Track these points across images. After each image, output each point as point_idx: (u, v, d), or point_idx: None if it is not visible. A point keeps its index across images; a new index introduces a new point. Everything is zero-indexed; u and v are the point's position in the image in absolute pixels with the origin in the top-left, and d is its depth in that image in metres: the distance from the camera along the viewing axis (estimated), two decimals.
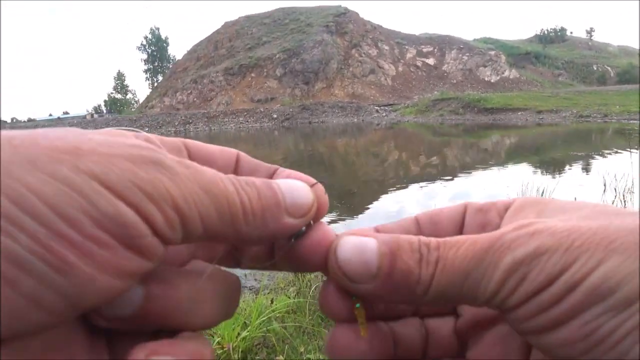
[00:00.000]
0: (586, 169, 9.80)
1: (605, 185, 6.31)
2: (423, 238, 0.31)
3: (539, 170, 10.02)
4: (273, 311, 2.58)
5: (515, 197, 0.36)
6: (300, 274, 3.09)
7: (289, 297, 2.87)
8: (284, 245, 0.31)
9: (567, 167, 10.36)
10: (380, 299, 0.31)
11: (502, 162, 11.77)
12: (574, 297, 0.25)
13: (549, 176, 9.08)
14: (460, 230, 0.37)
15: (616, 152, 11.59)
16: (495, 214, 0.36)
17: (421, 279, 0.29)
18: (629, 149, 10.15)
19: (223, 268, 0.31)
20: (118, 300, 0.24)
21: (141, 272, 0.23)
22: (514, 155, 13.33)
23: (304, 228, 0.31)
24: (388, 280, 0.30)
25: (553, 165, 10.68)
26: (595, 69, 71.35)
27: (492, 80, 59.68)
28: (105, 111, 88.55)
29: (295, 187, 0.31)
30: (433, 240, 0.30)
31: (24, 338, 0.20)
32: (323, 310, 0.33)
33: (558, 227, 0.27)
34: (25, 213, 0.19)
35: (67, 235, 0.19)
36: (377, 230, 0.37)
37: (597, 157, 11.24)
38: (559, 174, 9.46)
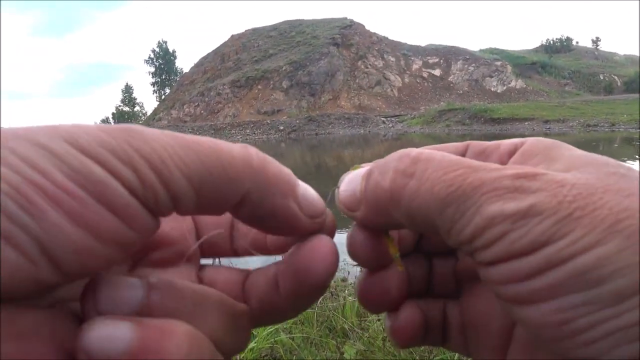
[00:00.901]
0: None
1: None
2: (407, 150, 0.29)
3: None
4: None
5: (526, 139, 0.33)
6: None
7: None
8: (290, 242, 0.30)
9: None
10: (372, 223, 0.31)
11: None
12: (554, 275, 0.22)
13: None
14: None
15: (624, 161, 11.50)
16: (496, 159, 0.33)
17: (389, 191, 0.28)
18: (637, 158, 10.05)
19: (229, 298, 0.29)
20: (118, 298, 0.23)
21: (124, 240, 0.22)
22: None
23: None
24: (365, 200, 0.29)
25: None
26: (601, 78, 71.10)
27: (498, 91, 59.60)
28: (113, 123, 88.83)
29: (309, 188, 0.30)
30: (418, 150, 0.28)
31: (16, 302, 0.20)
32: (351, 255, 0.33)
33: (565, 188, 0.24)
34: (3, 165, 0.19)
35: (38, 182, 0.20)
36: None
37: None
38: None
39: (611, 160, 0.26)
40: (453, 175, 0.26)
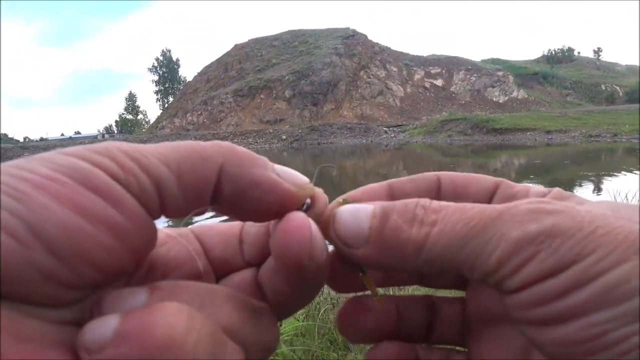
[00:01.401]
0: (597, 188, 9.73)
1: None
2: (423, 200, 0.29)
3: None
4: (281, 334, 2.58)
5: (555, 188, 0.33)
6: None
7: (298, 320, 2.87)
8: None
9: (577, 187, 10.29)
10: (376, 264, 0.30)
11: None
12: (583, 294, 0.23)
13: None
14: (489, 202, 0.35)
15: (627, 172, 11.51)
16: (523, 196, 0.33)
17: (412, 238, 0.28)
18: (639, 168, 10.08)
19: (248, 297, 0.29)
20: (121, 303, 0.23)
21: (115, 223, 0.22)
22: (523, 176, 13.26)
23: (308, 200, 0.30)
24: (379, 240, 0.28)
25: (563, 186, 10.55)
26: (603, 88, 71.21)
27: (500, 101, 59.72)
28: (116, 131, 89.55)
29: (285, 167, 0.30)
30: (434, 202, 0.29)
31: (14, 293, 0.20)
32: (329, 283, 0.33)
33: (581, 211, 0.25)
34: None
35: (22, 175, 0.21)
36: (391, 185, 0.36)
37: (607, 176, 11.17)
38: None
39: (629, 205, 0.27)
40: (471, 213, 0.27)
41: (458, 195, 0.35)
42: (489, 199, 0.34)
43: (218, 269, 0.33)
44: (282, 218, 0.28)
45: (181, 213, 0.26)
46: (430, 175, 0.36)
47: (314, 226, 0.27)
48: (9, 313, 0.20)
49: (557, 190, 0.32)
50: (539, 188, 0.33)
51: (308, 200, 0.30)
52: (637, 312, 0.22)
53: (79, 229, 0.21)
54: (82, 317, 0.23)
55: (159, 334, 0.20)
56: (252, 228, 0.34)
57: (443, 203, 0.29)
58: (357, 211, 0.30)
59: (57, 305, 0.22)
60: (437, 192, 0.35)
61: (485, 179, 0.35)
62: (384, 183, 0.36)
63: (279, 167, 0.29)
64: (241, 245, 0.34)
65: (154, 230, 0.25)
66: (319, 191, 0.31)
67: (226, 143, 0.28)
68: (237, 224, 0.34)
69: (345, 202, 0.32)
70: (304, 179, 0.30)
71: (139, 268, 0.29)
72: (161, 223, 0.27)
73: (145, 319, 0.21)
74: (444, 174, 0.36)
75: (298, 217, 0.27)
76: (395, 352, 0.34)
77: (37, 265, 0.20)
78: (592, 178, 11.23)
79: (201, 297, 0.25)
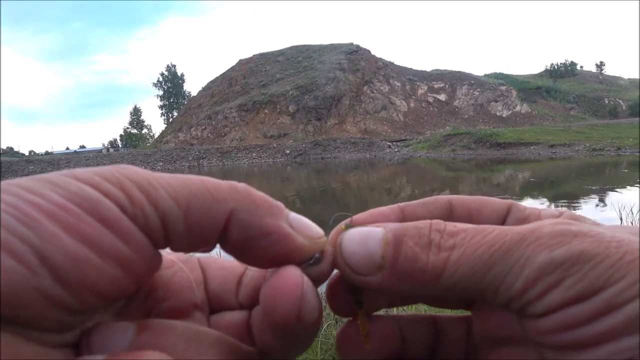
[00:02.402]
0: (601, 202, 9.69)
1: (621, 219, 6.24)
2: (436, 222, 0.28)
3: (553, 205, 9.93)
4: None
5: (565, 210, 0.32)
6: None
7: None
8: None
9: (582, 200, 10.26)
10: (390, 291, 0.29)
11: (516, 197, 11.67)
12: (613, 319, 0.22)
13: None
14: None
15: (631, 185, 11.47)
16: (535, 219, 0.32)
17: (430, 266, 0.27)
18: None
19: (235, 341, 0.29)
20: (108, 339, 0.24)
21: (121, 256, 0.23)
22: (527, 190, 13.24)
23: (317, 255, 0.29)
24: (394, 269, 0.27)
25: (568, 199, 10.59)
26: (606, 102, 71.20)
27: (503, 115, 59.77)
28: (120, 145, 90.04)
29: (300, 215, 0.29)
30: (450, 225, 0.28)
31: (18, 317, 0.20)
32: (331, 307, 0.32)
33: (607, 235, 0.24)
34: (6, 193, 0.21)
35: (34, 201, 0.21)
36: (402, 208, 0.34)
37: (611, 190, 11.13)
38: (574, 207, 9.37)
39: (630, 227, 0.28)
40: (492, 236, 0.26)
41: (471, 219, 0.34)
42: (502, 223, 0.33)
43: (213, 303, 0.33)
44: (277, 271, 0.27)
45: (186, 249, 0.27)
46: (442, 198, 0.35)
47: (307, 285, 0.26)
48: (10, 338, 0.20)
49: (568, 213, 0.31)
50: (550, 210, 0.33)
51: (317, 254, 0.29)
52: None
53: (86, 260, 0.21)
54: (78, 340, 0.24)
55: None
56: (252, 271, 0.34)
57: (460, 225, 0.28)
58: (365, 237, 0.29)
59: (57, 329, 0.22)
60: (450, 216, 0.34)
61: (497, 203, 0.34)
62: (395, 206, 0.34)
63: (294, 217, 0.28)
64: (238, 286, 0.34)
65: (159, 257, 0.26)
66: (329, 246, 0.30)
67: (243, 186, 0.27)
68: (242, 264, 0.34)
69: (348, 227, 0.30)
70: (317, 231, 0.29)
71: (141, 289, 0.29)
72: None
73: None
74: (456, 198, 0.35)
75: (290, 275, 0.26)
76: None
77: (44, 292, 0.20)
78: (597, 192, 11.18)
79: (187, 340, 0.25)
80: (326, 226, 0.31)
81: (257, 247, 0.27)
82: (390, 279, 0.28)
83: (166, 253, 0.29)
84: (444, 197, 0.35)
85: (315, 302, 0.27)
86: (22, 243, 0.20)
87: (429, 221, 0.28)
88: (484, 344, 0.33)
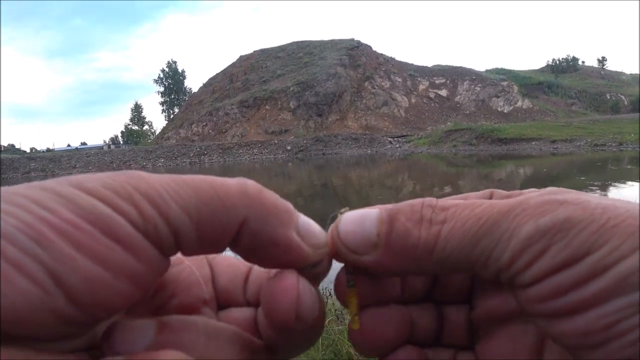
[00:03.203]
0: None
1: None
2: (428, 199, 0.29)
3: None
4: None
5: (545, 189, 0.33)
6: None
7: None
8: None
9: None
10: (388, 269, 0.30)
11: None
12: (599, 284, 0.23)
13: None
14: None
15: (633, 181, 11.45)
16: None
17: (422, 240, 0.28)
18: None
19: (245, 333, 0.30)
20: (130, 337, 0.24)
21: (133, 272, 0.23)
22: (528, 185, 13.10)
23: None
24: (388, 246, 0.29)
25: None
26: (608, 97, 70.97)
27: (505, 111, 59.63)
28: (122, 142, 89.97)
29: (309, 220, 0.30)
30: (441, 200, 0.29)
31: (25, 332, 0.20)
32: (338, 298, 0.33)
33: (592, 202, 0.25)
34: (14, 206, 0.21)
35: (46, 218, 0.21)
36: None
37: (613, 185, 11.11)
38: None
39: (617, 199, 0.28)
40: (481, 209, 0.27)
41: None
42: None
43: (220, 299, 0.33)
44: (275, 273, 0.28)
45: (196, 254, 0.27)
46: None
47: (303, 286, 0.27)
48: (21, 351, 0.20)
49: (550, 188, 0.31)
50: (532, 190, 0.33)
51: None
52: None
53: (100, 280, 0.22)
54: (91, 343, 0.24)
55: None
56: (259, 269, 0.34)
57: (450, 200, 0.29)
58: (362, 217, 0.30)
59: (62, 339, 0.22)
60: None
61: (480, 195, 0.35)
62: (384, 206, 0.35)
63: (303, 223, 0.28)
64: (245, 283, 0.34)
65: (168, 263, 0.26)
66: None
67: (254, 189, 0.27)
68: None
69: (347, 211, 0.31)
70: (323, 240, 0.29)
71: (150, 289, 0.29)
72: None
73: None
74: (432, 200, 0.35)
75: (287, 277, 0.27)
76: (411, 357, 0.34)
77: (56, 312, 0.21)
78: (598, 187, 11.16)
79: (207, 336, 0.26)
80: (326, 226, 0.31)
81: (265, 254, 0.27)
82: (385, 256, 0.29)
83: None
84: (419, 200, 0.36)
85: (313, 302, 0.27)
86: (36, 264, 0.20)
87: (421, 199, 0.29)
88: (486, 323, 0.34)
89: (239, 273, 0.34)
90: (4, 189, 0.22)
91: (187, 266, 0.31)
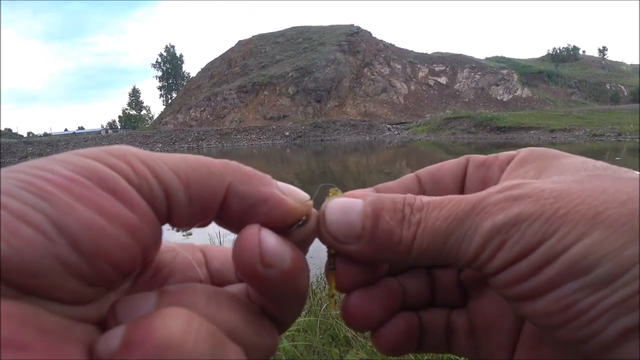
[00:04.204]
0: None
1: None
2: (408, 197, 0.31)
3: None
4: None
5: (521, 149, 0.35)
6: (311, 294, 3.09)
7: (300, 316, 2.86)
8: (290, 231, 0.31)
9: None
10: (368, 258, 0.32)
11: None
12: (551, 270, 0.25)
13: None
14: (462, 187, 0.37)
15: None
16: (497, 169, 0.36)
17: (403, 239, 0.30)
18: None
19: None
20: (132, 306, 0.25)
21: (130, 223, 0.24)
22: None
23: (304, 218, 0.31)
24: (372, 240, 0.31)
25: None
26: (608, 87, 70.84)
27: (504, 99, 59.52)
28: (119, 127, 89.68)
29: (287, 184, 0.31)
30: (418, 199, 0.31)
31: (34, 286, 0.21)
32: (348, 324, 0.34)
33: (545, 192, 0.27)
34: (14, 171, 0.22)
35: (45, 176, 0.22)
36: (377, 190, 0.37)
37: None
38: None
39: (591, 163, 0.30)
40: (447, 209, 0.29)
41: (438, 188, 0.37)
42: (462, 180, 0.37)
43: (215, 281, 0.34)
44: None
45: (186, 222, 0.28)
46: (411, 175, 0.39)
47: (266, 233, 0.28)
48: (34, 308, 0.21)
49: (524, 152, 0.34)
50: (506, 154, 0.36)
51: (304, 217, 0.31)
52: (600, 281, 0.24)
53: (100, 228, 0.22)
54: (98, 317, 0.25)
55: (157, 338, 0.21)
56: None
57: (425, 199, 0.31)
58: (346, 208, 0.31)
59: (75, 302, 0.23)
60: (420, 187, 0.38)
61: (455, 164, 0.38)
62: (371, 188, 0.37)
63: (282, 185, 0.30)
64: None
65: (161, 232, 0.27)
66: (314, 210, 0.32)
67: (234, 162, 0.29)
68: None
69: (335, 192, 0.34)
70: (305, 195, 0.31)
71: (147, 269, 0.31)
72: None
73: (146, 325, 0.22)
74: (422, 171, 0.38)
75: (248, 228, 0.28)
76: (402, 324, 0.36)
77: (62, 260, 0.21)
78: None
79: (207, 297, 0.27)
80: (312, 196, 0.32)
81: (256, 214, 0.29)
82: (368, 248, 0.31)
83: (168, 241, 0.30)
84: (412, 174, 0.39)
85: (278, 247, 0.28)
86: (38, 213, 0.21)
87: (403, 195, 0.32)
88: (474, 284, 0.36)
89: (231, 255, 0.34)
90: (8, 167, 0.23)
91: (179, 252, 0.33)
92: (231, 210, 0.28)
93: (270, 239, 0.28)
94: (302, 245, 0.31)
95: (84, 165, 0.23)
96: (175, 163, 0.26)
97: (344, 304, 0.34)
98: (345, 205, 0.32)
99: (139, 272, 0.29)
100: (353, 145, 32.41)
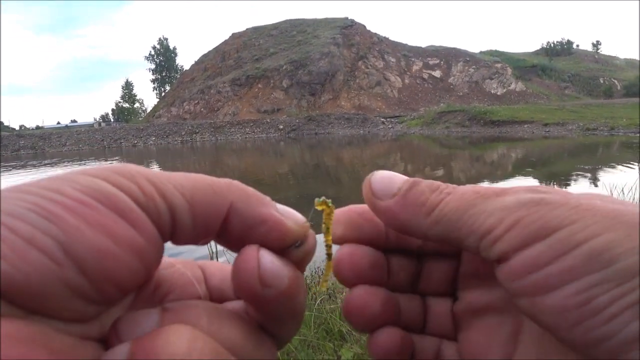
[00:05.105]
0: (593, 182, 9.74)
1: None
2: (444, 184, 0.34)
3: (545, 183, 9.96)
4: None
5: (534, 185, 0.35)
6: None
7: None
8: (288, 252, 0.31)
9: (574, 180, 10.31)
10: (393, 217, 0.34)
11: (508, 175, 11.73)
12: (571, 258, 0.24)
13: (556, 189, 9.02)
14: None
15: (623, 165, 11.53)
16: None
17: (430, 200, 0.32)
18: (637, 162, 10.09)
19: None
20: (135, 324, 0.25)
21: (137, 245, 0.24)
22: (520, 168, 13.27)
23: (299, 242, 0.31)
24: (404, 197, 0.33)
25: (560, 178, 10.63)
26: (601, 82, 71.14)
27: (498, 93, 59.65)
28: (112, 120, 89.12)
29: (285, 207, 0.32)
30: (451, 185, 0.33)
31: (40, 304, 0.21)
32: (337, 276, 0.36)
33: (569, 194, 0.28)
34: (21, 192, 0.23)
35: (53, 197, 0.22)
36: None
37: (603, 170, 11.18)
38: (566, 187, 9.41)
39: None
40: (480, 188, 0.31)
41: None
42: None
43: (214, 297, 0.35)
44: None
45: (188, 240, 0.28)
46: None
47: (264, 253, 0.28)
48: (41, 328, 0.21)
49: (536, 186, 0.33)
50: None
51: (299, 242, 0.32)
52: (621, 275, 0.23)
53: (107, 251, 0.23)
54: (100, 333, 0.25)
55: (162, 355, 0.21)
56: None
57: (461, 186, 0.33)
58: (393, 175, 0.35)
59: (79, 320, 0.23)
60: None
61: None
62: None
63: (280, 207, 0.31)
64: None
65: (162, 249, 0.27)
66: (311, 231, 0.33)
67: (236, 182, 0.30)
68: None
69: (320, 204, 0.36)
70: (302, 217, 0.32)
71: (148, 284, 0.31)
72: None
73: (150, 342, 0.22)
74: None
75: (247, 248, 0.28)
76: (398, 335, 0.36)
77: (68, 283, 0.22)
78: (589, 171, 11.23)
79: (209, 314, 0.27)
80: (309, 214, 0.33)
81: (255, 234, 0.29)
82: (396, 205, 0.33)
83: (168, 257, 0.31)
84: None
85: (277, 268, 0.28)
86: (46, 236, 0.21)
87: (439, 182, 0.34)
88: (466, 315, 0.36)
89: (229, 273, 0.34)
90: (16, 185, 0.23)
91: (179, 268, 0.33)
92: (231, 229, 0.29)
93: (268, 260, 0.28)
94: (300, 265, 0.32)
95: (92, 186, 0.24)
96: (180, 182, 0.27)
97: (347, 297, 0.36)
98: (393, 174, 0.35)
99: (140, 287, 0.29)
100: (347, 138, 32.38)
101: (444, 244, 0.34)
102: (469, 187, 0.32)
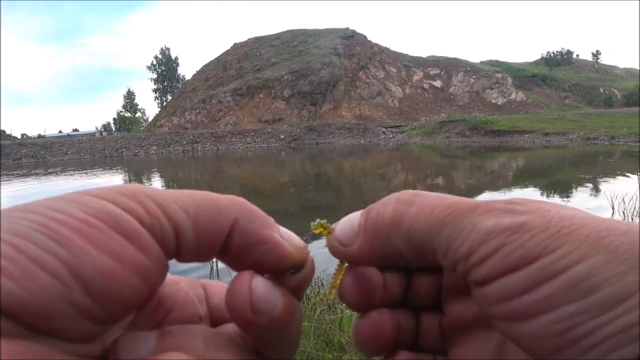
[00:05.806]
0: (594, 191, 9.73)
1: (613, 207, 6.29)
2: (393, 195, 0.33)
3: (546, 193, 9.97)
4: None
5: (516, 198, 0.34)
6: (305, 299, 3.09)
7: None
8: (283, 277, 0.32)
9: (575, 189, 10.31)
10: (368, 256, 0.33)
11: (509, 185, 11.71)
12: (550, 287, 0.24)
13: (557, 198, 9.05)
14: None
15: (624, 175, 11.53)
16: None
17: (389, 217, 0.31)
18: (637, 172, 10.10)
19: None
20: (133, 346, 0.25)
21: (142, 266, 0.25)
22: (520, 178, 13.28)
23: (295, 268, 0.32)
24: (366, 231, 0.32)
25: (560, 188, 10.64)
26: (601, 91, 71.11)
27: (498, 103, 59.68)
28: (114, 129, 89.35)
29: (287, 230, 0.32)
30: (413, 192, 0.32)
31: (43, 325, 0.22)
32: (341, 298, 0.35)
33: (551, 212, 0.26)
34: (29, 212, 0.23)
35: (61, 219, 0.23)
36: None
37: (604, 179, 11.18)
38: (567, 197, 9.42)
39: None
40: (450, 202, 0.29)
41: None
42: None
43: (214, 316, 0.35)
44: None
45: (191, 258, 0.29)
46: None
47: (257, 280, 0.28)
48: (47, 349, 0.22)
49: (516, 198, 0.31)
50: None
51: (294, 267, 0.32)
52: (601, 305, 0.22)
53: (113, 272, 0.23)
54: (102, 352, 0.26)
55: None
56: None
57: (422, 192, 0.32)
58: (350, 217, 0.34)
59: (83, 340, 0.24)
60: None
61: None
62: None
63: (283, 230, 0.31)
64: None
65: (167, 268, 0.28)
66: (310, 258, 0.33)
67: (241, 199, 0.30)
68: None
69: (316, 226, 0.35)
70: (302, 242, 0.32)
71: (150, 301, 0.31)
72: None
73: None
74: None
75: (241, 274, 0.29)
76: (408, 357, 0.36)
77: (74, 304, 0.22)
78: (590, 181, 11.22)
79: (206, 339, 0.27)
80: (308, 237, 0.34)
81: (254, 253, 0.30)
82: (364, 242, 0.32)
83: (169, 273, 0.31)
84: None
85: (269, 295, 0.28)
86: (54, 258, 0.22)
87: (396, 193, 0.33)
88: (454, 330, 0.36)
89: None
90: (20, 205, 0.24)
91: (182, 287, 0.33)
92: (232, 246, 0.29)
93: (260, 286, 0.28)
94: (297, 291, 0.32)
95: (99, 207, 0.24)
96: (183, 201, 0.27)
97: (356, 322, 0.35)
98: (350, 217, 0.34)
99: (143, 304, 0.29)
100: (348, 148, 32.39)
101: (424, 262, 0.34)
102: (436, 200, 0.30)
